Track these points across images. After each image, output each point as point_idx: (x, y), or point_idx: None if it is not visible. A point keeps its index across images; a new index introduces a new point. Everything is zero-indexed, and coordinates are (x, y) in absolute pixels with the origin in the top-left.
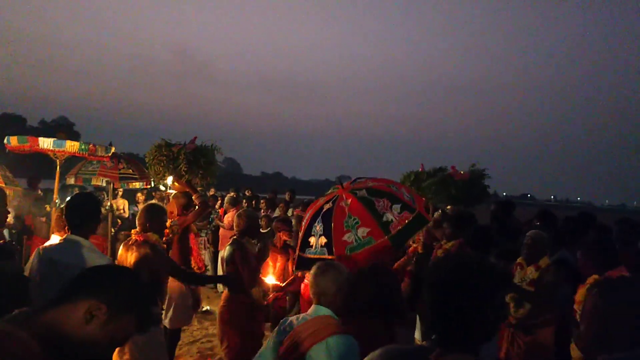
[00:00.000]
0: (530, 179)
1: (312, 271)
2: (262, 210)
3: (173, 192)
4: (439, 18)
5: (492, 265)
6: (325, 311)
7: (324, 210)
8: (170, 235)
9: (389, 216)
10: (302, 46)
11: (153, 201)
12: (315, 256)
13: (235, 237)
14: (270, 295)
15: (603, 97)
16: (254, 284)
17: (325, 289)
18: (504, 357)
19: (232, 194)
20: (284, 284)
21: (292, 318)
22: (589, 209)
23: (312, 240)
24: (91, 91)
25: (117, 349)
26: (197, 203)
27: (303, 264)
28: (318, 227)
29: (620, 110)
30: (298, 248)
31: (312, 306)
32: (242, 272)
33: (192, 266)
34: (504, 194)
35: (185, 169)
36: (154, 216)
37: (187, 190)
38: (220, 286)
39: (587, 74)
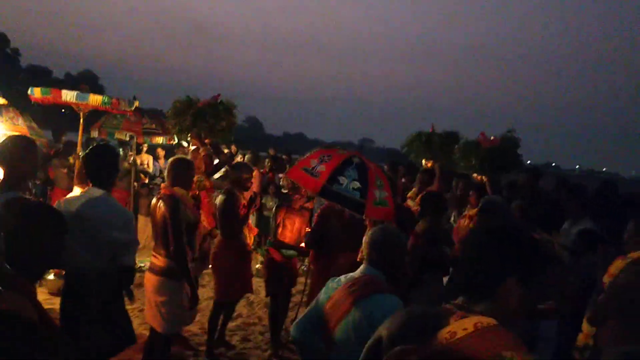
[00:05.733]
0: (555, 147)
1: (368, 233)
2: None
3: (193, 147)
4: None
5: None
6: (373, 271)
7: (357, 161)
8: (197, 192)
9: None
10: (328, 6)
11: (180, 155)
12: (344, 193)
13: (227, 187)
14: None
15: (634, 65)
16: (242, 230)
17: (377, 251)
18: None
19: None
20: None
21: (341, 277)
22: (614, 179)
23: (343, 180)
24: (117, 46)
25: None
26: (202, 156)
27: (328, 195)
28: (351, 171)
29: None
30: (325, 179)
31: (363, 265)
32: (233, 219)
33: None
34: (528, 162)
35: (189, 124)
36: (181, 171)
37: (201, 145)
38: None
39: (618, 40)
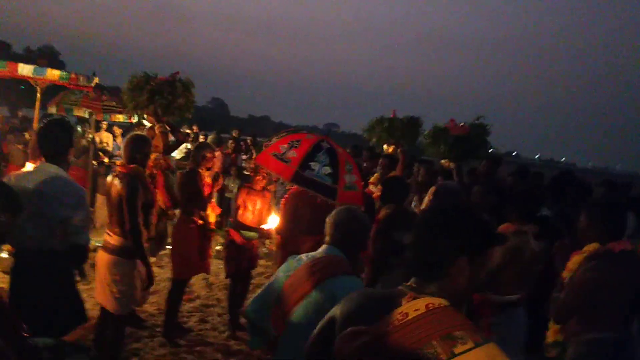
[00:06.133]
0: (515, 136)
1: (331, 214)
2: (242, 153)
3: (148, 125)
4: None
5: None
6: (336, 251)
7: (326, 146)
8: (154, 171)
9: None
10: None
11: (137, 132)
12: (317, 179)
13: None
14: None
15: (594, 56)
16: (204, 208)
17: (338, 232)
18: None
19: (212, 135)
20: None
21: (303, 256)
22: (571, 169)
23: (314, 165)
24: (79, 22)
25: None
26: (157, 133)
27: (300, 181)
28: (322, 157)
29: (610, 72)
30: (297, 165)
31: (324, 246)
32: (194, 197)
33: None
34: (490, 150)
35: (147, 100)
36: (138, 148)
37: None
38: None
39: (580, 30)
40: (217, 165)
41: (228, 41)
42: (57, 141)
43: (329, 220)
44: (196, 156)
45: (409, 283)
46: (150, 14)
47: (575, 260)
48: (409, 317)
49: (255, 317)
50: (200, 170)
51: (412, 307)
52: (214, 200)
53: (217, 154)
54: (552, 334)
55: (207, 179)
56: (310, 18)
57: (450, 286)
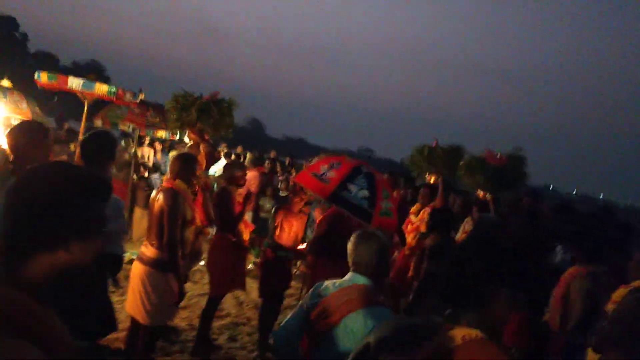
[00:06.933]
0: (552, 170)
1: (352, 239)
2: (278, 174)
3: (189, 142)
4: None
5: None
6: (363, 280)
7: (365, 170)
8: (197, 188)
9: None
10: (337, 15)
11: (185, 150)
12: (353, 201)
13: (223, 185)
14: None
15: (636, 92)
16: (237, 226)
17: (366, 259)
18: None
19: (250, 154)
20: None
21: (329, 283)
22: (610, 206)
23: (352, 187)
24: (124, 39)
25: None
26: (203, 152)
27: (337, 201)
28: (361, 180)
29: None
30: (335, 185)
31: (350, 273)
32: (226, 215)
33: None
34: (526, 183)
35: (195, 118)
36: (184, 165)
37: (202, 141)
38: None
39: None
40: (254, 184)
41: (266, 63)
42: (98, 152)
43: (354, 246)
44: (227, 175)
45: (445, 313)
46: (190, 34)
47: (620, 292)
48: (444, 348)
49: (284, 347)
50: (231, 189)
51: (447, 338)
52: (246, 218)
53: (255, 173)
54: None
55: (239, 197)
56: (347, 43)
57: (487, 318)
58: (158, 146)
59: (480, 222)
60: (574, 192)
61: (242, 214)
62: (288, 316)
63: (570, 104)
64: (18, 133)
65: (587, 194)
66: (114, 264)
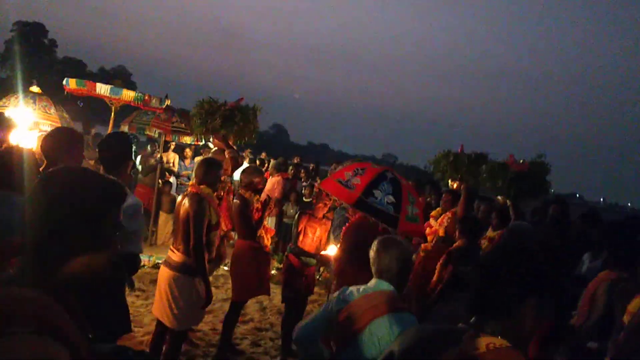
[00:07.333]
0: (579, 178)
1: (374, 246)
2: (302, 180)
3: (214, 148)
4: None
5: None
6: (387, 286)
7: (390, 176)
8: (222, 193)
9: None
10: (361, 21)
11: (211, 156)
12: (379, 207)
13: (240, 192)
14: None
15: None
16: (256, 232)
17: (389, 265)
18: None
19: (274, 160)
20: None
21: (353, 289)
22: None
23: (378, 193)
24: (150, 45)
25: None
26: (228, 158)
27: (363, 207)
28: (386, 186)
29: None
30: (361, 191)
31: (374, 280)
32: (245, 221)
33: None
34: (552, 191)
35: (220, 124)
36: (209, 170)
37: (227, 147)
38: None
39: None
40: (277, 190)
41: (289, 68)
42: (114, 153)
43: (376, 253)
44: (245, 181)
45: (470, 320)
46: (214, 41)
47: (636, 303)
48: (469, 356)
49: (307, 343)
50: (248, 196)
51: (473, 346)
52: (266, 223)
53: (278, 179)
54: None
55: (257, 204)
56: (372, 49)
57: (514, 327)
58: (189, 152)
59: (512, 230)
60: (602, 200)
61: (261, 220)
62: (313, 313)
63: (598, 113)
64: (51, 139)
65: (615, 202)
66: (132, 262)
